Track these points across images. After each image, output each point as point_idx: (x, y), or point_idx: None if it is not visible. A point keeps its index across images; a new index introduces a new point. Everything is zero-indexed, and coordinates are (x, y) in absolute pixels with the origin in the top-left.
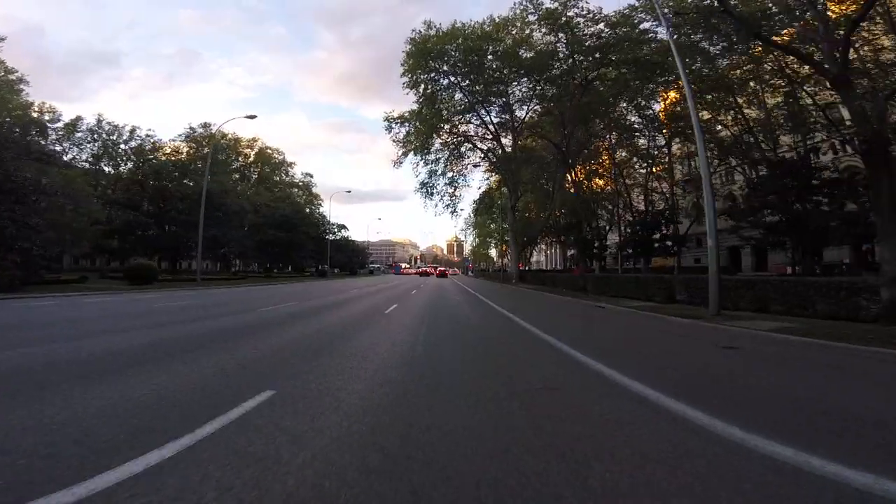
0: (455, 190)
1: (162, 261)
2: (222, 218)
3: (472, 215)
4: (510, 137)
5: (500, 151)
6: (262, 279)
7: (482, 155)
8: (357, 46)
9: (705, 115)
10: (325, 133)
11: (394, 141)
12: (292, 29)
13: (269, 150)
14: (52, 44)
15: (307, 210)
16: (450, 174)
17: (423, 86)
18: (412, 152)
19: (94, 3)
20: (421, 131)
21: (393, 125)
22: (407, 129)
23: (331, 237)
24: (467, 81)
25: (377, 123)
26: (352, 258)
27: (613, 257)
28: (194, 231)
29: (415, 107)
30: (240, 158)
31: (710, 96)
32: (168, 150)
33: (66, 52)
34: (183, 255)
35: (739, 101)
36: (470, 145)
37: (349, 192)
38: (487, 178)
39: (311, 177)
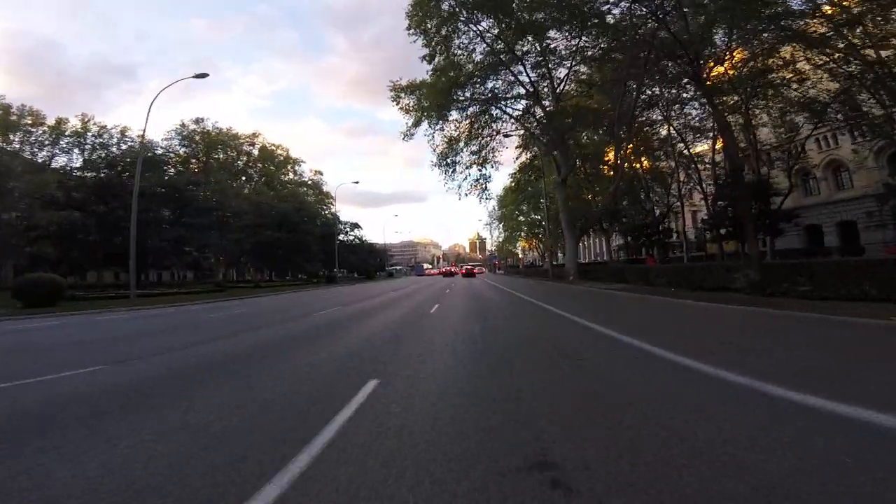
0: (483, 163)
1: (121, 272)
2: (196, 216)
3: (503, 194)
4: (550, 100)
5: (539, 114)
6: (243, 291)
7: (514, 120)
8: (368, 49)
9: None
10: (343, 137)
11: (402, 110)
12: (303, 34)
13: (272, 147)
14: (70, 58)
15: (317, 208)
16: (474, 145)
17: (434, 29)
18: (425, 120)
19: (106, 15)
20: (436, 90)
21: (402, 95)
22: (419, 96)
23: (342, 238)
24: (491, 23)
25: (393, 125)
26: (367, 260)
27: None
28: (158, 234)
29: (427, 77)
30: (242, 157)
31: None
32: (160, 151)
33: (84, 65)
34: (151, 264)
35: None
36: (498, 110)
37: (357, 182)
38: (518, 156)
39: (322, 174)
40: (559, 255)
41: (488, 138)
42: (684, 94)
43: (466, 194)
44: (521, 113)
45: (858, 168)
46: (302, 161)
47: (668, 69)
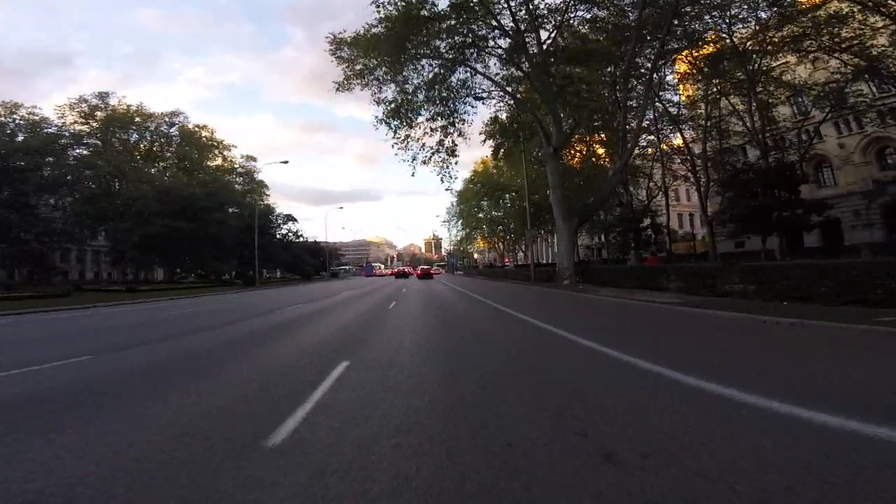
0: (450, 129)
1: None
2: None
3: (463, 189)
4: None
5: (525, 65)
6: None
7: (490, 80)
8: (326, 43)
9: None
10: (297, 133)
11: (341, 61)
12: (262, 27)
13: (196, 129)
14: (5, 47)
15: (240, 195)
16: (436, 107)
17: None
18: (376, 69)
19: (46, 3)
20: (389, 41)
21: (343, 48)
22: (366, 48)
23: (280, 234)
24: None
25: (351, 122)
26: (303, 258)
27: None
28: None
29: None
30: (157, 139)
31: None
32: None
33: (17, 53)
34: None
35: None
36: (468, 69)
37: (286, 162)
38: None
39: (255, 160)
40: (521, 255)
41: (453, 103)
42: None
43: (424, 162)
44: (509, 49)
45: (844, 164)
46: (232, 146)
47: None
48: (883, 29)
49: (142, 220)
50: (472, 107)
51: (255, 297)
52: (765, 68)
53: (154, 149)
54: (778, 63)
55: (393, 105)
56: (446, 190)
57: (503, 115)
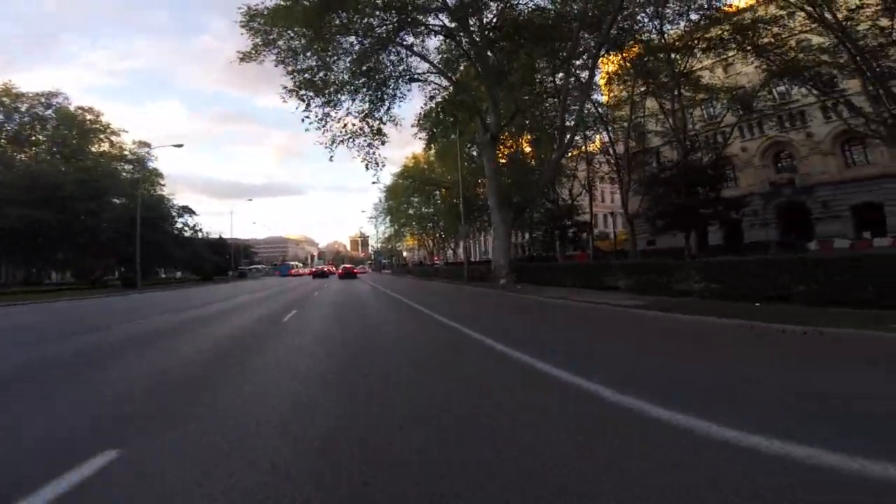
0: (378, 106)
1: None
2: None
3: (392, 184)
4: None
5: (465, 42)
6: None
7: (442, 40)
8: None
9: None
10: (210, 124)
11: (253, 30)
12: (177, 13)
13: (78, 111)
14: None
15: (126, 183)
16: (370, 71)
17: None
18: (293, 40)
19: None
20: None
21: (257, 20)
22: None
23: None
24: None
25: (272, 113)
26: (202, 255)
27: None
28: None
29: None
30: (16, 117)
31: None
32: None
33: None
34: None
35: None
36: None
37: (180, 146)
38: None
39: (149, 147)
40: (450, 252)
41: (384, 81)
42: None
43: (343, 142)
44: (444, 32)
45: (746, 166)
46: (122, 131)
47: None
48: (808, 32)
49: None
50: (407, 88)
51: (95, 308)
52: (687, 70)
53: (23, 132)
54: (700, 66)
55: (308, 75)
56: (373, 183)
57: (437, 101)
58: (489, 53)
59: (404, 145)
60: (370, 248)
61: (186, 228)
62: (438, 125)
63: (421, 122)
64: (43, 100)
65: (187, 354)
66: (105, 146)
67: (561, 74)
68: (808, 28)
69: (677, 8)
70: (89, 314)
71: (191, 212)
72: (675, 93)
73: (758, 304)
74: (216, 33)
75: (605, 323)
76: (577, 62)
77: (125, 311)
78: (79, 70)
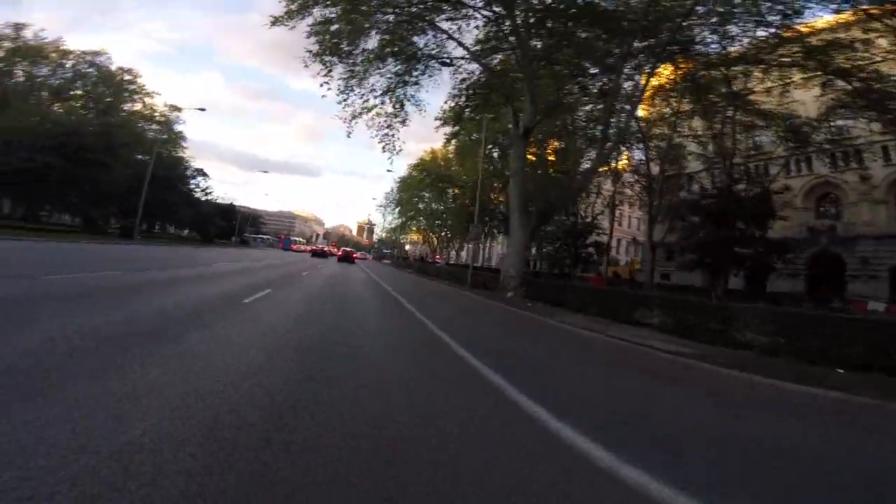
0: (405, 79)
1: None
2: None
3: (406, 176)
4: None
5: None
6: None
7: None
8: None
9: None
10: (243, 98)
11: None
12: None
13: (120, 71)
14: None
15: (143, 136)
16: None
17: None
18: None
19: None
20: None
21: None
22: None
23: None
24: None
25: (301, 94)
26: (210, 219)
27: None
28: None
29: None
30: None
31: None
32: None
33: None
34: None
35: None
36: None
37: (203, 109)
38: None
39: (179, 111)
40: (453, 253)
41: (414, 56)
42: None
43: (365, 112)
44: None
45: (784, 206)
46: (155, 93)
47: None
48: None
49: (5, 149)
50: (437, 70)
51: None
52: (743, 91)
53: (64, 87)
54: (757, 88)
55: (336, 39)
56: (388, 171)
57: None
58: (532, 42)
59: (422, 140)
60: (375, 235)
61: (198, 190)
62: (469, 106)
63: (448, 105)
64: (88, 58)
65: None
66: (138, 106)
67: (607, 75)
68: (890, 57)
69: (743, 24)
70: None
71: (204, 174)
72: (727, 115)
73: (841, 371)
74: (263, 10)
75: (665, 377)
76: (628, 66)
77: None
78: (134, 37)
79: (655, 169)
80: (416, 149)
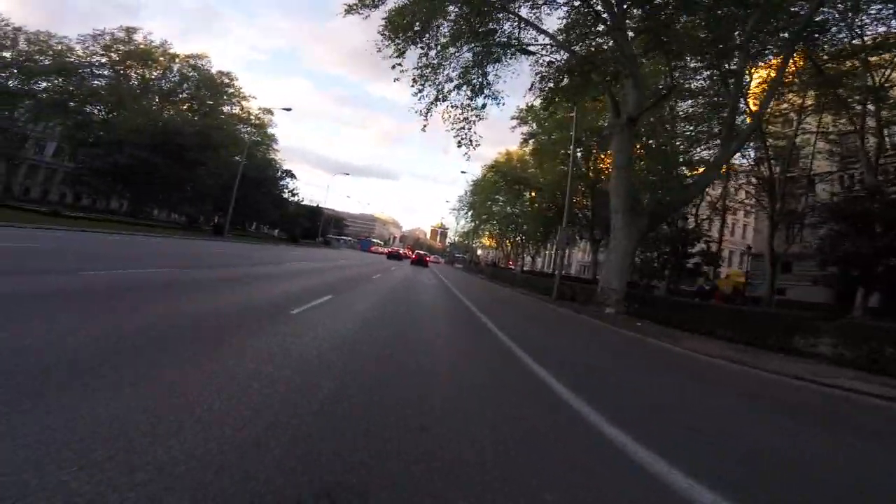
0: (483, 64)
1: None
2: None
3: (481, 178)
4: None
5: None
6: None
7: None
8: (375, 21)
9: None
10: (329, 104)
11: None
12: None
13: (219, 74)
14: None
15: (236, 137)
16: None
17: None
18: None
19: None
20: None
21: None
22: None
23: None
24: None
25: (381, 101)
26: (296, 219)
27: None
28: None
29: None
30: (168, 74)
31: None
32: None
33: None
34: None
35: None
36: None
37: (289, 109)
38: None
39: (271, 114)
40: (528, 259)
41: (491, 35)
42: None
43: (438, 103)
44: None
45: None
46: (251, 97)
47: None
48: None
49: (115, 147)
50: (515, 58)
51: (152, 247)
52: (888, 84)
53: (174, 91)
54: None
55: (408, 19)
56: (462, 172)
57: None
58: (630, 23)
59: (496, 143)
60: (448, 239)
61: (286, 191)
62: (560, 90)
63: (527, 101)
64: (191, 61)
65: None
66: (236, 109)
67: (730, 58)
68: None
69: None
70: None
71: (292, 176)
72: (866, 107)
73: None
74: (347, 18)
75: None
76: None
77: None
78: (232, 44)
79: (769, 169)
80: (490, 153)
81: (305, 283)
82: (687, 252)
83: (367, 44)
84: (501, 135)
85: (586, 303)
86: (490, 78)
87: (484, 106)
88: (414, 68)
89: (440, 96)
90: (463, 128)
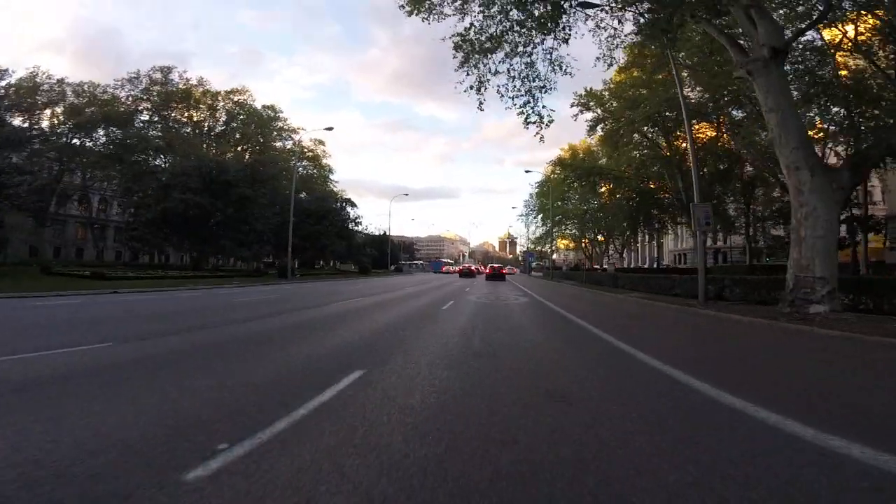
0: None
1: None
2: None
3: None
4: None
5: None
6: None
7: None
8: (408, 44)
9: None
10: (380, 132)
11: None
12: (347, 26)
13: (265, 109)
14: (129, 44)
15: (283, 169)
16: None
17: None
18: None
19: (162, 4)
20: None
21: None
22: None
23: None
24: None
25: (429, 121)
26: (362, 249)
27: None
28: None
29: None
30: (218, 115)
31: None
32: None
33: (141, 53)
34: None
35: None
36: None
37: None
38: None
39: (324, 144)
40: (614, 256)
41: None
42: None
43: (494, 76)
44: None
45: None
46: (300, 129)
47: None
48: None
49: (162, 194)
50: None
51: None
52: None
53: (214, 126)
54: None
55: None
56: (526, 171)
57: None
58: None
59: (554, 144)
60: (519, 248)
61: (349, 221)
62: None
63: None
64: (233, 97)
65: None
66: (289, 144)
67: None
68: None
69: None
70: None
71: (353, 204)
72: None
73: None
74: (381, 46)
75: None
76: None
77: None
78: (282, 85)
79: None
80: (549, 155)
81: (340, 341)
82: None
83: (407, 66)
84: (560, 133)
85: (759, 301)
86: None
87: (545, 86)
88: (456, 36)
89: (488, 69)
90: (527, 102)
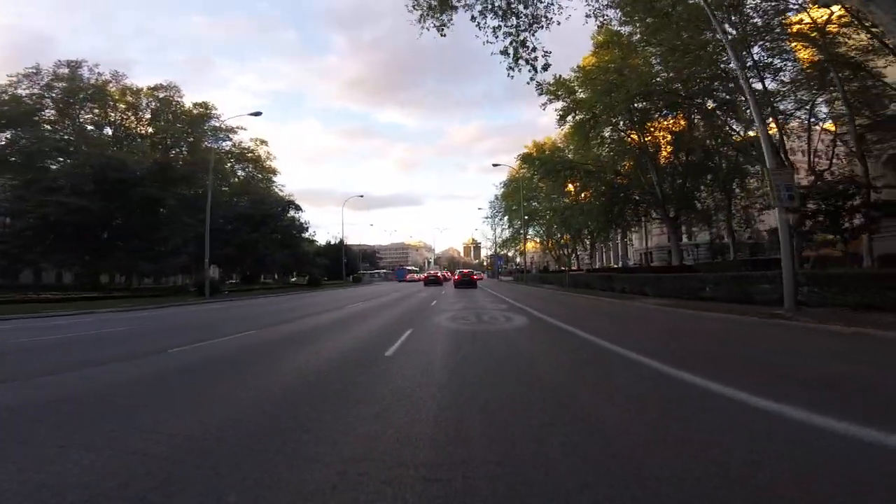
0: None
1: None
2: None
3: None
4: None
5: None
6: None
7: None
8: (368, 50)
9: None
10: (340, 139)
11: None
12: (304, 34)
13: (196, 105)
14: (64, 53)
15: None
16: None
17: None
18: None
19: (102, 11)
20: None
21: None
22: None
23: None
24: None
25: (390, 128)
26: (309, 258)
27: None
28: None
29: None
30: (138, 114)
31: None
32: None
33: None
34: None
35: None
36: None
37: (361, 196)
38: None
39: (266, 144)
40: (576, 257)
41: None
42: None
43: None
44: None
45: None
46: (240, 128)
47: None
48: None
49: (44, 199)
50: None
51: None
52: None
53: (136, 127)
54: None
55: None
56: (494, 165)
57: None
58: None
59: (521, 149)
60: (483, 251)
61: (294, 228)
62: None
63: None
64: (157, 94)
65: None
66: (227, 144)
67: None
68: None
69: None
70: None
71: (298, 207)
72: None
73: None
74: (339, 52)
75: None
76: None
77: None
78: (234, 93)
79: None
80: (511, 160)
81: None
82: (852, 205)
83: (363, 73)
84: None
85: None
86: None
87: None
88: None
89: None
90: (513, 41)
